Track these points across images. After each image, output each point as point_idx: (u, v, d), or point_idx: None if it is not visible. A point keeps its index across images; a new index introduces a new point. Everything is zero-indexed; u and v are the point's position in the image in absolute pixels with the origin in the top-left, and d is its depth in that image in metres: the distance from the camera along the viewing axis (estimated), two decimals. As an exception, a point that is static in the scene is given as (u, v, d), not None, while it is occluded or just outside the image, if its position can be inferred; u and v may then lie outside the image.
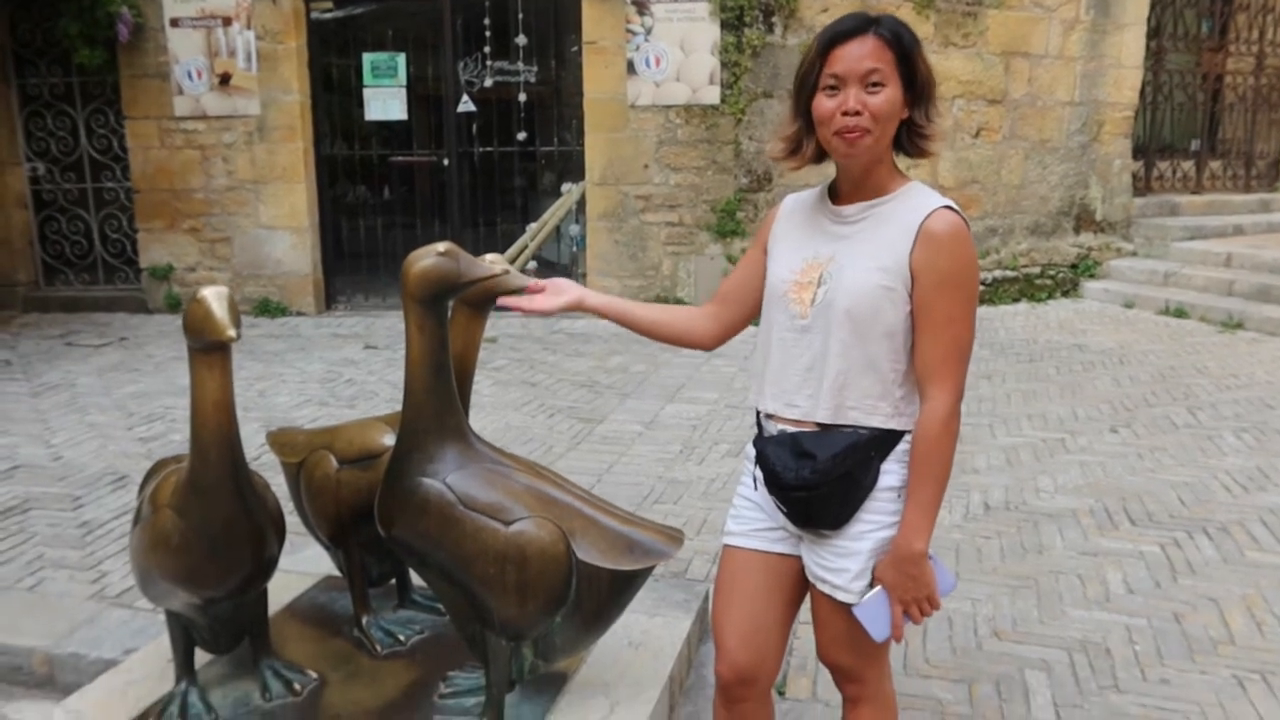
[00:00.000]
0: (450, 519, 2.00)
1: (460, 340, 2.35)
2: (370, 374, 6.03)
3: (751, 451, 2.00)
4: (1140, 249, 8.83)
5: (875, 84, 1.70)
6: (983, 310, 8.01)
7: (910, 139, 1.81)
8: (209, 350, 1.94)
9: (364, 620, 2.58)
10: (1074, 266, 8.64)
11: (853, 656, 1.96)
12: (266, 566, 2.14)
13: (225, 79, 7.44)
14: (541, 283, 2.04)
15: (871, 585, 1.82)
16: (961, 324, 1.76)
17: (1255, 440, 4.63)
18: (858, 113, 1.71)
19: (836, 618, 1.90)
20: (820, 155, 1.87)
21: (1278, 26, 9.84)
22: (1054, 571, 3.28)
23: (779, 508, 1.90)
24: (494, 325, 7.37)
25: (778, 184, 7.40)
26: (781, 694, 2.62)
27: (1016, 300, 8.31)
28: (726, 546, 2.05)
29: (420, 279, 1.99)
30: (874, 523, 1.82)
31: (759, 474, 1.95)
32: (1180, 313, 7.57)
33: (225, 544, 2.02)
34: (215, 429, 1.99)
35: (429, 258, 2.00)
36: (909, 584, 1.78)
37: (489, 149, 7.78)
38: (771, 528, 1.97)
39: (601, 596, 2.09)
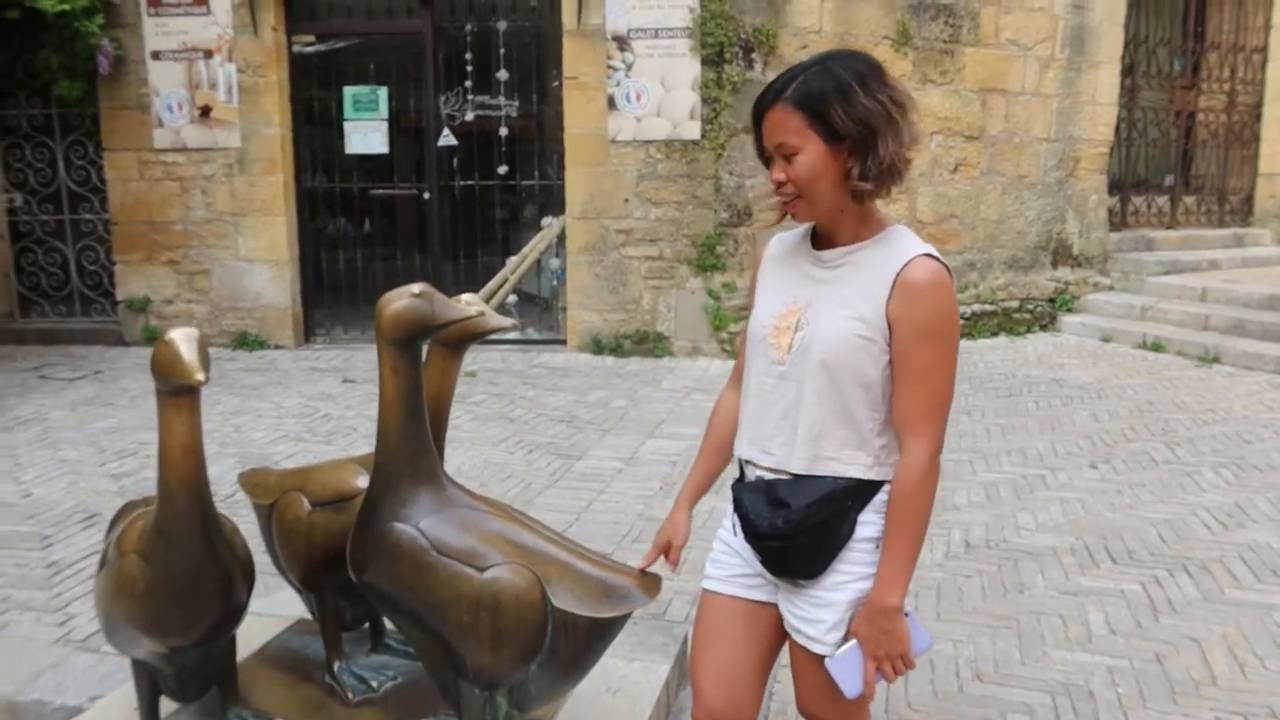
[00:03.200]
0: (423, 565, 1.96)
1: (435, 381, 2.32)
2: (348, 409, 5.98)
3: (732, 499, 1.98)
4: (1117, 283, 8.92)
5: (789, 155, 1.69)
6: (962, 344, 8.02)
7: (854, 192, 1.72)
8: (177, 393, 1.90)
9: (336, 666, 2.52)
10: (1052, 301, 8.71)
11: (833, 709, 1.92)
12: (234, 613, 2.09)
13: (206, 111, 7.43)
14: (658, 552, 2.07)
15: (846, 639, 1.79)
16: (940, 375, 1.73)
17: (1234, 476, 4.65)
18: (783, 183, 1.72)
19: (814, 670, 1.86)
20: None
21: (1248, 65, 10.03)
22: (1035, 611, 3.26)
23: (756, 557, 1.87)
24: (474, 359, 7.34)
25: (757, 219, 7.42)
26: (762, 740, 2.58)
27: (995, 334, 8.36)
28: (705, 591, 2.02)
29: (394, 320, 1.97)
30: (851, 574, 1.79)
31: (737, 520, 1.92)
32: (1157, 347, 7.63)
33: (192, 591, 1.97)
34: (183, 474, 1.94)
35: (403, 299, 1.98)
36: (883, 639, 1.75)
37: (470, 182, 7.79)
38: (749, 574, 1.94)
39: (578, 644, 2.05)
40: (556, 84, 7.59)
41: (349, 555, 2.09)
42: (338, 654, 2.54)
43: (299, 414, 5.85)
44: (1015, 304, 8.51)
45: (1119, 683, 2.82)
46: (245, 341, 7.68)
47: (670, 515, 2.11)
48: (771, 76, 7.26)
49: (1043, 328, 8.59)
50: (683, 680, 2.79)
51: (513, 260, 7.84)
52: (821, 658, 1.82)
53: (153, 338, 7.80)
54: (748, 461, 1.90)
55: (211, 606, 2.02)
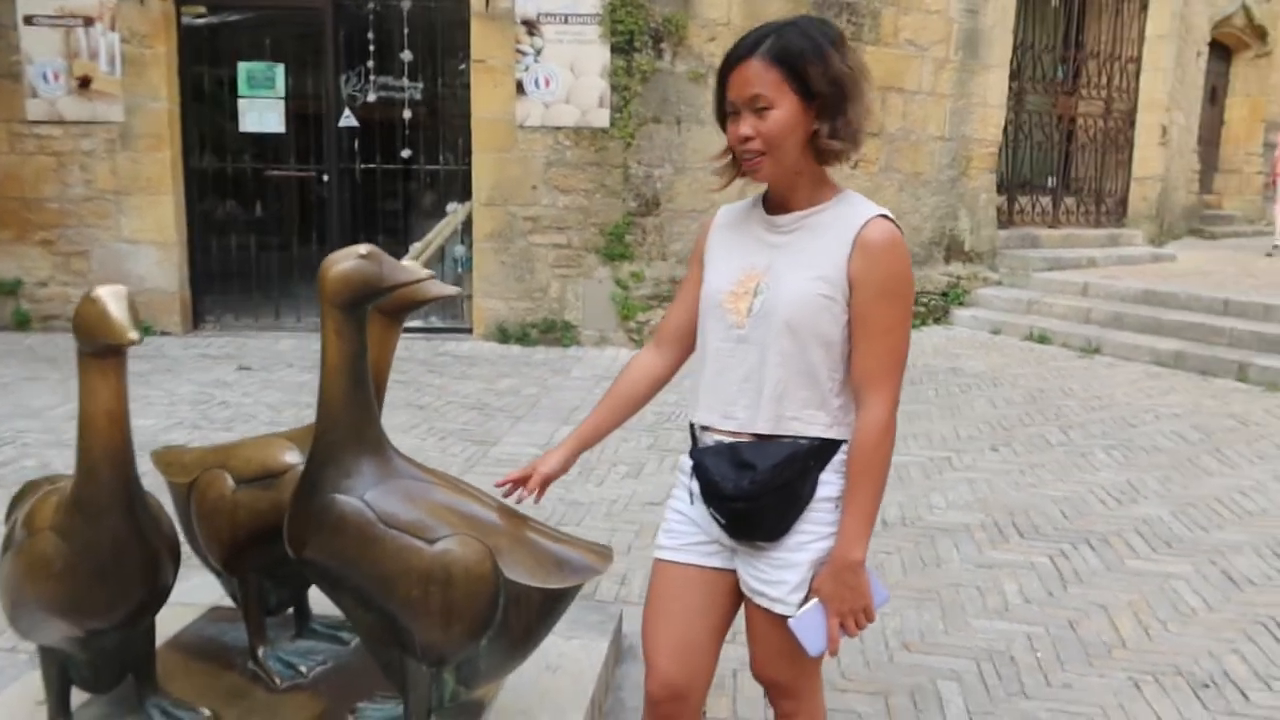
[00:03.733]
0: (369, 538, 1.87)
1: (374, 349, 2.21)
2: (245, 396, 5.72)
3: (686, 464, 1.95)
4: (1005, 278, 9.30)
5: (762, 108, 1.69)
6: (862, 335, 8.25)
7: (818, 153, 1.76)
8: (103, 355, 1.76)
9: (260, 652, 2.40)
10: (945, 294, 9.01)
11: (790, 672, 1.92)
12: (159, 594, 1.96)
13: (85, 82, 6.98)
14: (520, 474, 2.01)
15: (808, 598, 1.79)
16: (898, 333, 1.76)
17: (1123, 457, 4.89)
18: (748, 139, 1.71)
19: (773, 632, 1.86)
20: (743, 171, 1.86)
21: (1123, 74, 10.60)
22: (954, 584, 3.35)
23: (716, 520, 1.86)
24: (377, 346, 7.13)
25: (666, 209, 7.45)
26: (702, 713, 2.57)
27: (892, 326, 8.59)
28: (658, 561, 1.99)
29: (340, 282, 1.87)
30: (812, 533, 1.79)
31: (695, 487, 1.90)
32: (1043, 338, 7.99)
33: (114, 569, 1.84)
34: (107, 441, 1.81)
35: (349, 260, 1.89)
36: (847, 594, 1.76)
37: (371, 166, 7.56)
38: (705, 541, 1.92)
39: (530, 616, 2.00)
40: (463, 67, 7.44)
41: (286, 530, 1.98)
42: (262, 639, 2.42)
43: (193, 401, 5.57)
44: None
45: (1037, 648, 2.93)
46: (128, 327, 7.26)
47: (550, 450, 2.06)
48: (681, 68, 7.30)
49: (936, 320, 8.88)
50: (620, 658, 2.76)
51: (415, 247, 7.64)
52: (783, 619, 1.82)
53: (24, 322, 7.32)
54: (705, 428, 1.88)
55: (135, 587, 1.88)
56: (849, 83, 1.70)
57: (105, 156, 7.10)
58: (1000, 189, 9.66)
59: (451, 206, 7.69)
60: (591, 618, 2.78)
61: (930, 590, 3.30)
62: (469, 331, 7.55)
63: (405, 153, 7.47)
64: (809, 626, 1.77)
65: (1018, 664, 2.83)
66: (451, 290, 2.25)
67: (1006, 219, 9.92)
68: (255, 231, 7.71)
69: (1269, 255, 11.13)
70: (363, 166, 7.55)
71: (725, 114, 1.77)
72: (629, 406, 2.07)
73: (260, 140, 7.60)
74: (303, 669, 2.38)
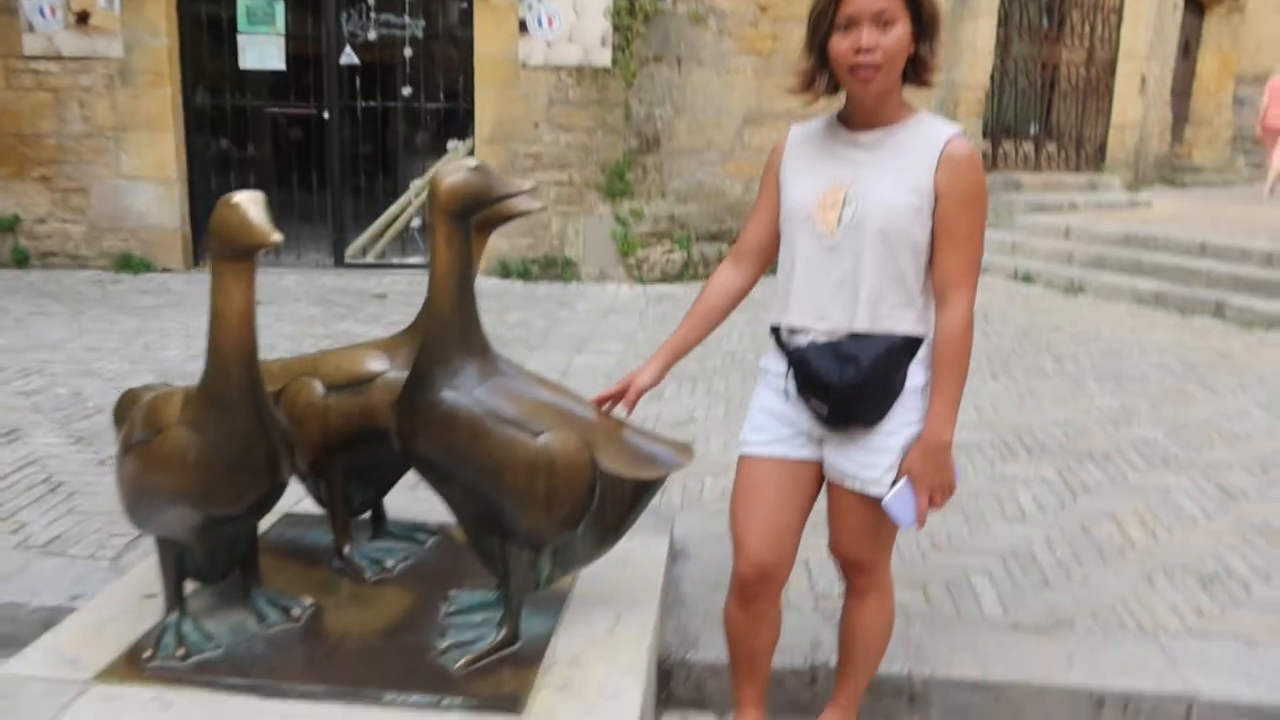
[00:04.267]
0: (480, 432, 2.02)
1: (465, 261, 2.35)
2: (262, 328, 5.76)
3: (774, 366, 2.12)
4: (990, 221, 9.50)
5: (886, 22, 1.84)
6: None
7: (916, 71, 1.96)
8: (239, 258, 1.88)
9: (346, 549, 2.55)
10: (931, 236, 9.20)
11: (869, 550, 2.13)
12: (280, 487, 2.09)
13: (83, 17, 6.90)
14: (616, 389, 2.22)
15: (897, 479, 1.98)
16: (978, 239, 1.93)
17: (1115, 385, 5.14)
18: (870, 51, 1.85)
19: (860, 512, 2.05)
20: (833, 89, 2.00)
21: (1106, 23, 10.75)
22: (973, 495, 3.57)
23: (817, 411, 2.02)
24: (380, 281, 7.21)
25: (666, 147, 7.55)
26: (757, 605, 2.77)
27: (881, 267, 8.79)
28: (745, 457, 2.16)
29: (451, 193, 2.00)
30: (902, 420, 1.98)
31: (791, 384, 2.07)
32: (1028, 278, 8.23)
33: (244, 461, 1.97)
34: (239, 341, 1.93)
35: (460, 173, 2.01)
36: (935, 471, 1.95)
37: (372, 104, 7.56)
38: (793, 435, 2.10)
39: (622, 506, 2.17)
40: (465, 5, 7.42)
41: (395, 426, 2.12)
42: (347, 539, 2.57)
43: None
44: (899, 239, 8.96)
45: (1055, 548, 3.16)
46: (129, 264, 7.27)
47: (653, 370, 2.23)
48: (682, 9, 7.36)
49: (923, 262, 9.07)
50: (674, 557, 2.94)
51: (417, 184, 7.69)
52: (867, 502, 2.01)
53: (24, 259, 7.29)
54: (797, 329, 2.04)
55: (261, 478, 2.01)
56: (939, 15, 1.90)
57: (104, 93, 7.04)
58: (985, 134, 9.83)
59: (452, 144, 7.72)
60: (649, 521, 2.94)
61: (952, 500, 3.51)
62: (470, 270, 7.61)
63: (406, 90, 7.48)
64: (900, 503, 1.96)
65: (1039, 562, 3.06)
66: (538, 205, 2.38)
67: (990, 164, 10.10)
68: (255, 169, 7.70)
69: (1271, 193, 11.48)
70: (363, 104, 7.54)
71: (826, 31, 1.90)
72: (711, 320, 2.23)
73: (260, 78, 7.55)
74: (388, 564, 2.54)
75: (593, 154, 7.40)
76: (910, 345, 1.97)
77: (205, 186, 7.62)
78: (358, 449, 2.45)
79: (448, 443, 2.04)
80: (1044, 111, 10.67)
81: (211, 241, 1.90)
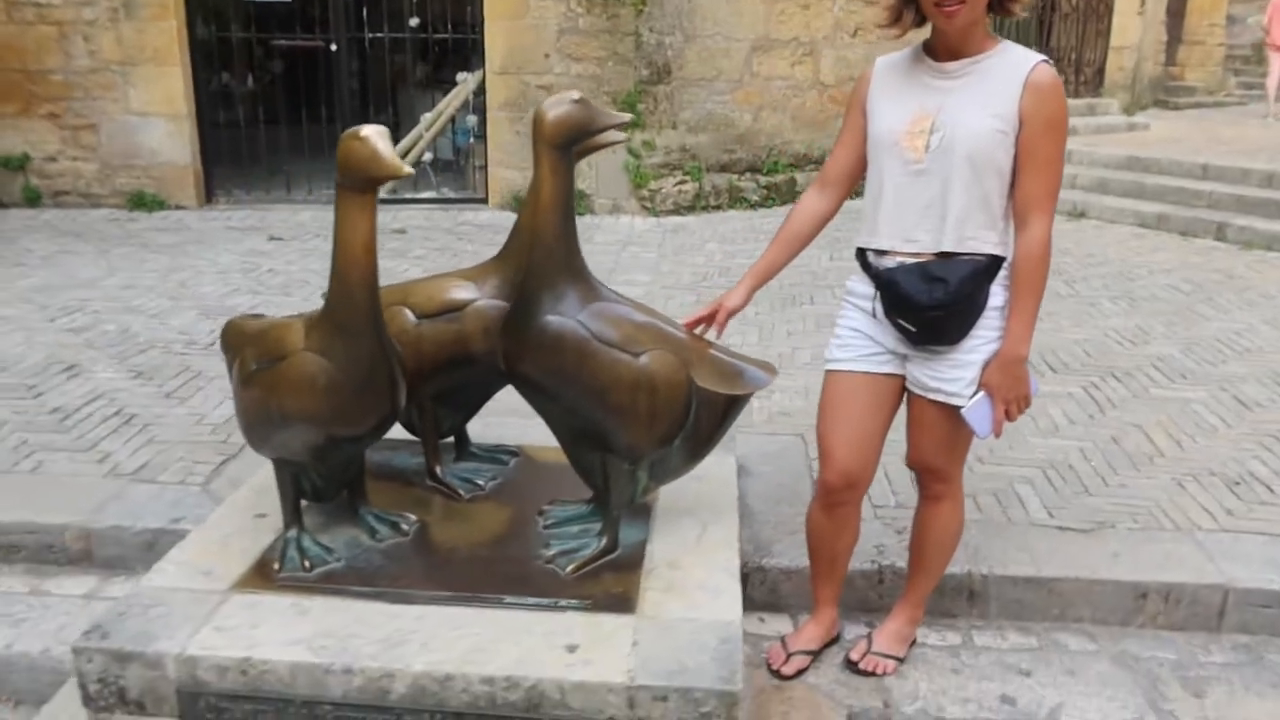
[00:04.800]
0: (586, 353, 2.15)
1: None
2: (289, 264, 5.86)
3: (859, 288, 2.26)
4: (991, 146, 9.57)
5: None
6: (857, 202, 8.49)
7: (1001, 2, 2.07)
8: (363, 190, 1.98)
9: (438, 470, 2.69)
10: (934, 162, 9.28)
11: (946, 459, 2.30)
12: (398, 409, 2.21)
13: (84, -53, 6.79)
14: (706, 312, 2.36)
15: (976, 392, 2.13)
16: (1059, 163, 2.07)
17: (1128, 305, 5.31)
18: None
19: (940, 424, 2.21)
20: (919, 22, 2.10)
21: (1106, -59, 10.70)
22: (1007, 411, 3.75)
23: (905, 329, 2.16)
24: (396, 217, 7.26)
25: (676, 77, 7.55)
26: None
27: (886, 194, 8.87)
28: (832, 371, 2.32)
29: (557, 125, 2.09)
30: (983, 338, 2.12)
31: (879, 305, 2.20)
32: (1032, 203, 8.33)
33: (369, 384, 2.09)
34: (364, 269, 2.03)
35: (564, 105, 2.11)
36: (1012, 384, 2.10)
37: (379, 35, 7.50)
38: (878, 351, 2.25)
39: (714, 420, 2.31)
40: (471, -69, 7.34)
41: (501, 350, 2.25)
42: (438, 460, 2.70)
43: (240, 270, 5.71)
44: (903, 165, 9.03)
45: (1090, 458, 3.35)
46: (143, 202, 7.27)
47: (741, 293, 2.37)
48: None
49: (926, 188, 9.16)
50: (742, 472, 3.11)
51: (427, 117, 7.68)
52: (947, 413, 2.17)
53: (35, 198, 7.27)
54: (884, 251, 2.17)
55: (384, 400, 2.14)
56: None
57: (108, 26, 6.95)
58: (987, 57, 9.83)
59: (461, 76, 7.69)
60: (713, 439, 3.11)
61: (986, 417, 3.70)
62: (483, 201, 7.67)
63: (414, 21, 7.42)
64: (978, 413, 2.12)
65: (1076, 471, 3.25)
66: (623, 136, 2.48)
67: (992, 88, 10.12)
68: (264, 102, 7.66)
69: (1264, 119, 11.62)
70: (371, 35, 7.48)
71: None
72: (798, 244, 2.37)
73: (266, 9, 7.47)
74: (480, 483, 2.69)
75: (604, 84, 7.39)
76: (992, 266, 2.10)
77: (213, 121, 7.58)
78: (448, 375, 2.57)
79: (556, 365, 2.17)
80: (1044, 35, 10.66)
81: (337, 174, 1.99)
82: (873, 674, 2.46)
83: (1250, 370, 4.29)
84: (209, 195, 7.58)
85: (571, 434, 2.33)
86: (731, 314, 2.35)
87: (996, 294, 2.12)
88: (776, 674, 2.45)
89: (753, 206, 8.07)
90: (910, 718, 2.35)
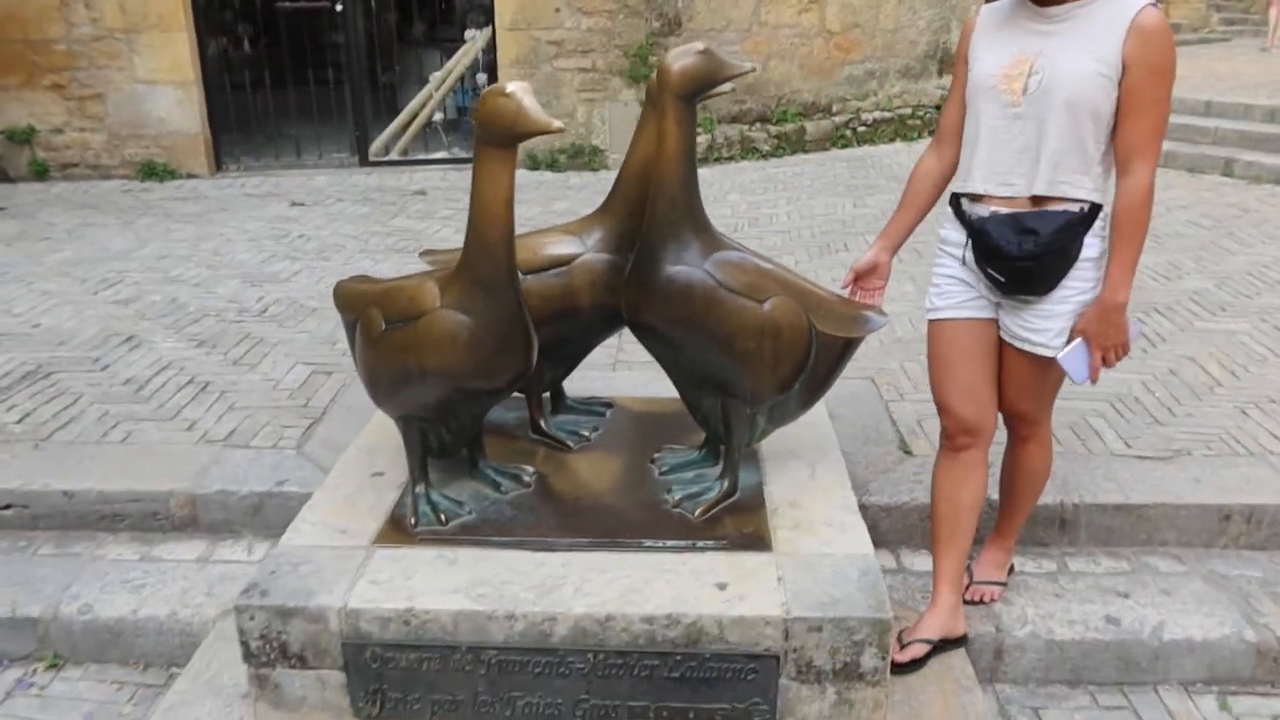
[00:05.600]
0: (714, 300, 2.19)
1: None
2: (319, 229, 5.83)
3: (953, 236, 2.30)
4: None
5: None
6: (866, 149, 8.58)
7: None
8: (505, 146, 2.00)
9: (542, 424, 2.74)
10: (937, 107, 9.30)
11: (1034, 404, 2.36)
12: (531, 363, 2.25)
13: (83, -89, 6.62)
14: (857, 281, 2.46)
15: (1070, 339, 2.18)
16: (1164, 106, 2.06)
17: (1154, 242, 5.40)
18: None
19: (1028, 371, 2.26)
20: None
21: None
22: (1064, 348, 3.84)
23: (995, 278, 2.21)
24: (415, 179, 7.22)
25: (687, 28, 7.51)
26: (908, 453, 3.04)
27: (892, 140, 8.92)
28: (934, 321, 2.37)
29: (683, 76, 2.12)
30: (1075, 289, 2.15)
31: (969, 254, 2.25)
32: (1038, 145, 8.40)
33: (509, 338, 2.12)
34: (504, 225, 2.06)
35: (689, 56, 2.13)
36: (1110, 331, 2.14)
37: (385, -7, 7.40)
38: (975, 297, 2.30)
39: (831, 363, 2.37)
40: (475, -116, 7.22)
41: (625, 300, 2.29)
42: (542, 413, 2.75)
43: (271, 236, 5.68)
44: (908, 110, 9.07)
45: (1153, 390, 3.45)
46: (154, 171, 7.18)
47: (871, 253, 2.43)
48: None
49: (930, 133, 9.19)
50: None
51: (436, 76, 7.60)
52: (1036, 361, 2.21)
53: (43, 171, 7.17)
54: (980, 197, 2.21)
55: (520, 355, 2.17)
56: None
57: (111, -8, 6.81)
58: None
59: (470, 34, 7.61)
60: (794, 385, 3.18)
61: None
62: (497, 161, 7.60)
63: (419, -22, 7.32)
64: (1075, 360, 2.17)
65: (1143, 403, 3.35)
66: (729, 88, 2.50)
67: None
68: (270, 66, 7.53)
69: (1264, 49, 11.93)
70: (376, -5, 7.38)
71: None
72: (922, 204, 2.40)
73: (268, -30, 7.34)
74: (585, 433, 2.74)
75: (615, 38, 7.34)
76: (1089, 216, 2.11)
77: (220, 87, 7.47)
78: (555, 329, 2.61)
79: (683, 313, 2.21)
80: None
81: (478, 128, 2.01)
82: (980, 602, 2.56)
83: (1286, 301, 4.41)
84: (220, 163, 7.49)
85: (692, 380, 2.39)
86: (883, 280, 2.43)
87: (1091, 245, 2.14)
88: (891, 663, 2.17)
89: (764, 156, 8.09)
90: (1022, 640, 2.46)
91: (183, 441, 3.16)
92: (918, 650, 2.34)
